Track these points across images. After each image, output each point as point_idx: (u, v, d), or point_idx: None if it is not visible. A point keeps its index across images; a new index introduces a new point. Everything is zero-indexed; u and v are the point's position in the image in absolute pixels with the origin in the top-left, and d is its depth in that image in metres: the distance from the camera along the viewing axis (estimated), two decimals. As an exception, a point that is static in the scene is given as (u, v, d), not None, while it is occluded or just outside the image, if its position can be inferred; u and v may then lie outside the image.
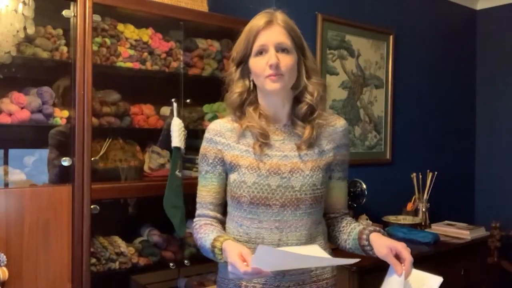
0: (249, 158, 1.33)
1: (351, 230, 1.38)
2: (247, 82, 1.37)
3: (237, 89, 1.37)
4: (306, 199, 1.32)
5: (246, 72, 1.36)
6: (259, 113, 1.36)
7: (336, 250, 1.45)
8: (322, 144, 1.38)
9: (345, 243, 1.39)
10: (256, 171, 1.31)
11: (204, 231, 1.34)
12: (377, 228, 1.34)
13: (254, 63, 1.32)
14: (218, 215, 1.41)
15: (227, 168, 1.38)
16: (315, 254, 1.26)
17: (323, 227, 1.42)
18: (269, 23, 1.30)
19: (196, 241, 1.38)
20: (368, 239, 1.30)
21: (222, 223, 1.42)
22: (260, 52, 1.30)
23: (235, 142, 1.37)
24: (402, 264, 1.19)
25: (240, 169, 1.33)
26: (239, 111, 1.38)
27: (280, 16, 1.33)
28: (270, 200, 1.30)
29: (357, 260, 1.18)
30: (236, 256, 1.14)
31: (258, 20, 1.32)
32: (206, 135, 1.42)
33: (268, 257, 1.11)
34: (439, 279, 1.19)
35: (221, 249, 1.24)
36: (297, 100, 1.38)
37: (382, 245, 1.25)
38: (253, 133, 1.35)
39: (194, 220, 1.42)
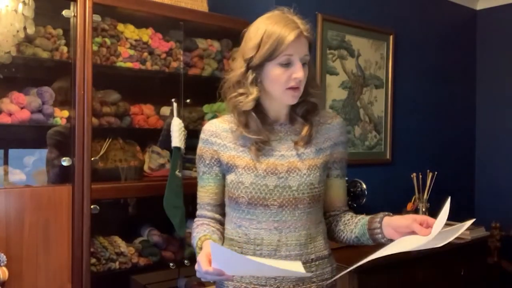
0: (246, 158, 1.33)
1: (358, 220, 1.37)
2: (259, 86, 1.32)
3: (251, 95, 1.31)
4: (304, 198, 1.31)
5: (258, 76, 1.31)
6: (258, 113, 1.34)
7: (334, 250, 1.45)
8: (319, 142, 1.37)
9: (351, 233, 1.37)
10: (253, 171, 1.31)
11: (198, 231, 1.34)
12: (391, 214, 1.32)
13: (276, 72, 1.27)
14: (216, 216, 1.41)
15: (224, 169, 1.37)
16: (288, 267, 1.20)
17: (323, 227, 1.41)
18: (299, 35, 1.27)
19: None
20: (380, 222, 1.28)
21: (221, 223, 1.41)
22: (286, 62, 1.27)
23: (231, 143, 1.36)
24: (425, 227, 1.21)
25: (237, 169, 1.33)
26: (243, 116, 1.34)
27: (303, 27, 1.29)
28: (268, 200, 1.30)
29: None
30: (203, 255, 1.12)
31: (287, 30, 1.26)
32: (202, 135, 1.41)
33: (225, 259, 1.08)
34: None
35: (201, 248, 1.24)
36: None
37: (403, 218, 1.25)
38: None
39: (194, 220, 1.42)
